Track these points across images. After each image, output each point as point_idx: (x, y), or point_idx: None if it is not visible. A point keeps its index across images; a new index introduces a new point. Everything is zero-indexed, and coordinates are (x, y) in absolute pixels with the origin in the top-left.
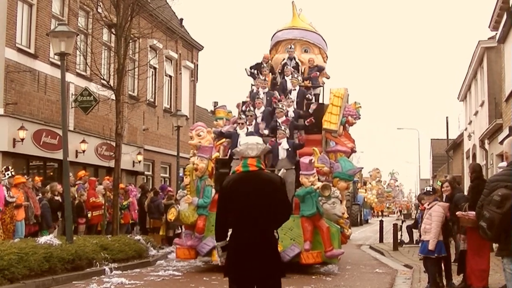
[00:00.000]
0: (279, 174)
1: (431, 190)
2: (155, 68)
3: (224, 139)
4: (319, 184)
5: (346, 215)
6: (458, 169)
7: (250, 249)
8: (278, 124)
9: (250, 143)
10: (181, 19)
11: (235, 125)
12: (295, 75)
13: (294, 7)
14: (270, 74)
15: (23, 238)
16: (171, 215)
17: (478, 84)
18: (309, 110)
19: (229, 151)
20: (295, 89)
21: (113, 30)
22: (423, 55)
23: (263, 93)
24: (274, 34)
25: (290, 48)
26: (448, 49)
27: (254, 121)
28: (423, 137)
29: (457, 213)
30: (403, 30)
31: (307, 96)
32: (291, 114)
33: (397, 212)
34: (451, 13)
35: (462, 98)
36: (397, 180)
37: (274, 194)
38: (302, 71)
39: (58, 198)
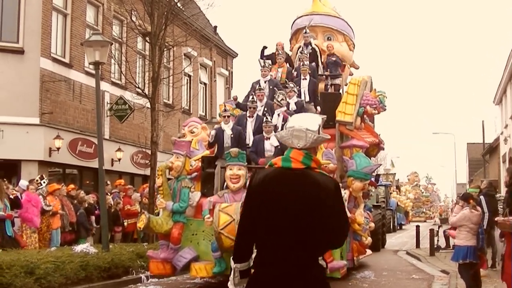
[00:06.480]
0: None
1: (461, 196)
2: (189, 76)
3: None
4: None
5: (362, 221)
6: (495, 173)
7: (281, 284)
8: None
9: (297, 128)
10: (215, 27)
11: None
12: (306, 63)
13: None
14: (287, 64)
15: (59, 246)
16: (141, 222)
17: None
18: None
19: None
20: (306, 79)
21: (147, 38)
22: (458, 59)
23: (264, 82)
24: (294, 21)
25: (305, 33)
26: (483, 53)
27: (255, 113)
28: (459, 141)
29: (496, 218)
30: (438, 34)
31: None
32: (292, 106)
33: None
34: (487, 15)
35: (497, 102)
36: (435, 184)
37: (324, 205)
38: (322, 60)
39: (86, 205)
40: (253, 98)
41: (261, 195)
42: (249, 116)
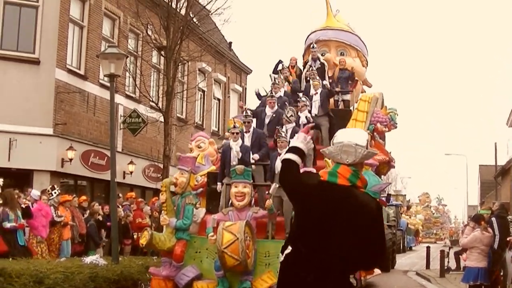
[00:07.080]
0: (270, 191)
1: (472, 218)
2: (203, 91)
3: None
4: None
5: None
6: (507, 195)
7: None
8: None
9: (346, 143)
10: (230, 43)
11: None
12: (317, 78)
13: (329, 5)
14: (291, 78)
15: (69, 257)
16: (143, 239)
17: None
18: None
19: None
20: (317, 93)
21: (162, 52)
22: (471, 79)
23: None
24: (308, 36)
25: (313, 47)
26: (497, 74)
27: (252, 128)
28: (471, 163)
29: (509, 238)
30: (452, 54)
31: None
32: (303, 119)
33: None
34: (502, 37)
35: (511, 124)
36: (446, 205)
37: (364, 225)
38: (330, 75)
39: (98, 217)
40: (246, 112)
41: (302, 203)
42: (245, 132)
